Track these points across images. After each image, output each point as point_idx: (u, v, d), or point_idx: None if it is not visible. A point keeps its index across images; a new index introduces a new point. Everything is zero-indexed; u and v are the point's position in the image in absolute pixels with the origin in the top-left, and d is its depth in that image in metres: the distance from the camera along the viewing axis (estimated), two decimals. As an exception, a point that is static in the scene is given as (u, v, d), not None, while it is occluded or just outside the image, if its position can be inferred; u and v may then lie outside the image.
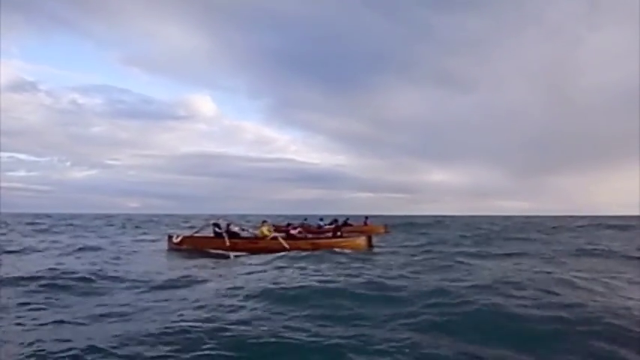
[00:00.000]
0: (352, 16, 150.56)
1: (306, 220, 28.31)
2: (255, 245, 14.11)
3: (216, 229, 15.40)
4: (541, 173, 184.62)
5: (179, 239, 15.51)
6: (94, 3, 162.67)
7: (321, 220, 25.58)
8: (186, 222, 42.02)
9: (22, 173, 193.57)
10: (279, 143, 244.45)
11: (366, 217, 28.31)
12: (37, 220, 43.83)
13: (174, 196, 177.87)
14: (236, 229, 15.61)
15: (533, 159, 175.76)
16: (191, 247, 14.92)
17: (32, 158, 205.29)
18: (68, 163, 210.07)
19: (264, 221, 15.85)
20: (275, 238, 14.27)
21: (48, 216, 68.29)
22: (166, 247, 15.59)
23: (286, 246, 13.45)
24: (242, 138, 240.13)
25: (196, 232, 16.51)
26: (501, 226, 37.51)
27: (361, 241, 14.64)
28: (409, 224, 38.09)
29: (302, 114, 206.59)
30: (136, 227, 33.75)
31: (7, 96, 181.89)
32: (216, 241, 14.47)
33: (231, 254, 12.90)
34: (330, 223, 23.72)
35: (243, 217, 59.03)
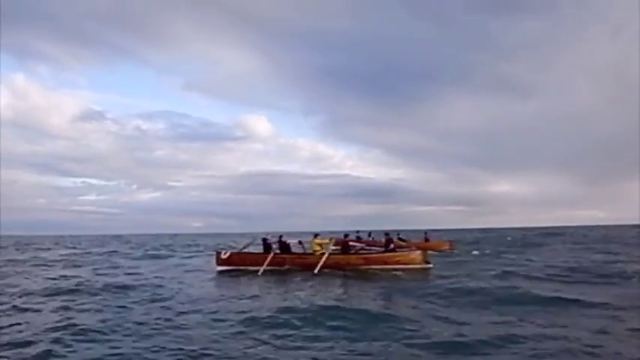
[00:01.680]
0: (402, 29, 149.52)
1: (358, 233, 27.29)
2: (303, 260, 13.43)
3: (267, 244, 15.03)
4: (614, 179, 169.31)
5: (227, 255, 15.16)
6: (153, 32, 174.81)
7: (369, 235, 24.44)
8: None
9: (92, 197, 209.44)
10: (335, 159, 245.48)
11: (426, 233, 25.72)
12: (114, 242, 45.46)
13: (235, 215, 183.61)
14: (290, 242, 15.08)
15: (604, 164, 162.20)
16: (239, 263, 14.53)
17: (102, 182, 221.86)
18: (134, 186, 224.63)
19: (316, 234, 15.15)
20: (323, 253, 13.50)
21: (118, 237, 72.02)
22: (215, 264, 15.27)
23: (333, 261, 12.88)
24: (298, 155, 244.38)
25: (244, 248, 16.12)
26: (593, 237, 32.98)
27: (416, 255, 13.43)
28: (474, 241, 34.92)
29: (356, 129, 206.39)
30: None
31: (77, 125, 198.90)
32: (263, 257, 13.96)
33: (261, 269, 12.84)
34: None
35: (301, 234, 59.09)
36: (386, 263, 12.75)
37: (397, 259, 13.06)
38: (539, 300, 7.57)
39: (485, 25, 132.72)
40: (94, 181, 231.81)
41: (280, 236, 15.23)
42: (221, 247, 19.71)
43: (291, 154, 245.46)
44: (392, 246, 13.88)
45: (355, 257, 13.28)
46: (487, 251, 21.64)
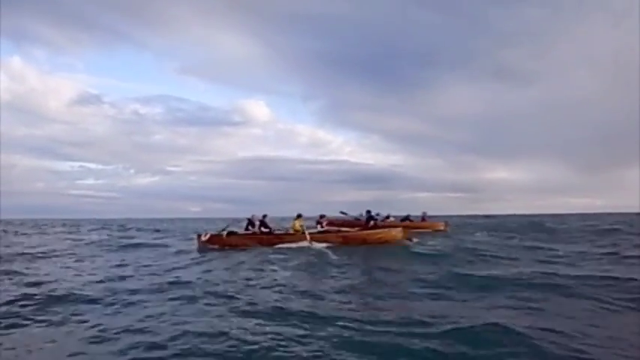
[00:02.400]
0: (403, 14, 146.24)
1: (362, 215, 26.96)
2: (279, 239, 13.16)
3: (250, 226, 15.06)
4: (613, 167, 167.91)
5: (207, 237, 15.05)
6: (152, 16, 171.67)
7: (377, 214, 24.11)
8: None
9: (90, 181, 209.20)
10: (334, 145, 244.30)
11: (424, 213, 26.07)
12: (112, 226, 45.72)
13: (233, 200, 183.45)
14: (271, 225, 15.02)
15: (603, 152, 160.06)
16: (219, 244, 14.43)
17: (100, 167, 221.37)
18: (132, 171, 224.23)
19: (299, 215, 14.99)
20: (303, 232, 13.22)
21: (113, 221, 72.24)
22: (196, 246, 15.19)
23: (308, 238, 12.70)
24: (296, 141, 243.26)
25: (224, 230, 15.87)
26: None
27: (396, 232, 13.10)
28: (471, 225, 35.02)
29: (355, 115, 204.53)
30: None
31: (75, 109, 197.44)
32: (241, 238, 13.84)
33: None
34: (387, 217, 22.33)
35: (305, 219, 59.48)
36: (365, 241, 12.40)
37: (378, 236, 12.72)
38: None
39: (486, 11, 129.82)
40: (91, 165, 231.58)
41: (264, 215, 15.16)
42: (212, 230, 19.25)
43: (290, 140, 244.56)
44: (372, 223, 13.54)
45: (334, 235, 12.94)
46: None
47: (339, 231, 13.55)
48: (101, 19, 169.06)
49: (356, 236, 12.83)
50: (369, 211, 14.49)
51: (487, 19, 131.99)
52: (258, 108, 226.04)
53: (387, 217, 22.99)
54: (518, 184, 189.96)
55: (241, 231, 15.34)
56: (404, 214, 25.62)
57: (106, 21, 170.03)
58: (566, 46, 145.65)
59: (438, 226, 23.71)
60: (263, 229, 14.72)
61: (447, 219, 28.94)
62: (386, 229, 13.61)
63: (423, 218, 24.83)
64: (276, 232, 14.65)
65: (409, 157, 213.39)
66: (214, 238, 14.92)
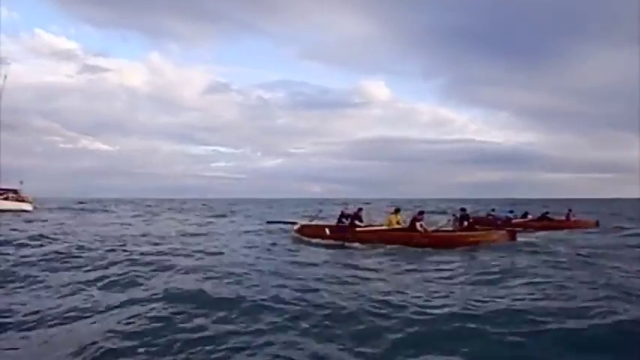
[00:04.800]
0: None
1: (493, 210, 24.43)
2: (364, 235, 12.40)
3: (343, 219, 14.44)
4: None
5: (298, 227, 14.98)
6: (270, 4, 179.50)
7: (511, 212, 21.61)
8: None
9: (222, 164, 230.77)
10: (457, 123, 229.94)
11: (570, 210, 20.83)
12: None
13: (353, 181, 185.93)
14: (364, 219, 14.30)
15: None
16: (308, 234, 14.23)
17: (230, 150, 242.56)
18: (259, 153, 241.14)
19: (397, 210, 14.01)
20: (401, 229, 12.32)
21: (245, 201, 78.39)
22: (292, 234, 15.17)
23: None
24: (417, 120, 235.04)
25: (312, 220, 15.68)
26: None
27: (497, 236, 11.31)
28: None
29: (482, 90, 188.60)
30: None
31: (206, 97, 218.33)
32: (326, 229, 13.40)
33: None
34: (524, 216, 19.57)
35: (422, 201, 56.25)
36: (455, 244, 10.95)
37: (471, 239, 11.14)
38: None
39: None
40: (223, 148, 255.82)
41: (359, 209, 14.54)
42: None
43: (410, 119, 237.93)
44: (465, 224, 11.93)
45: (419, 235, 11.70)
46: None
47: (432, 231, 12.26)
48: (225, 11, 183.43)
49: (444, 238, 11.41)
50: (463, 209, 12.82)
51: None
52: (378, 88, 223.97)
53: (525, 214, 20.19)
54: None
55: (332, 222, 14.94)
56: (538, 197, 21.76)
57: (230, 12, 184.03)
58: None
59: (587, 225, 18.91)
60: (357, 222, 14.08)
61: (590, 203, 24.50)
62: (485, 232, 11.89)
63: (568, 216, 20.03)
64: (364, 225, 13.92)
65: (543, 134, 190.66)
66: (306, 229, 14.71)
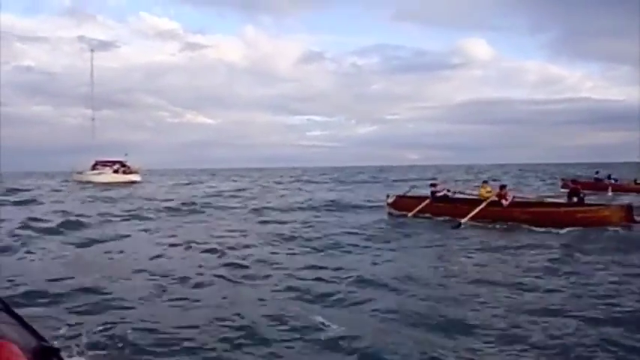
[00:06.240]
0: None
1: (597, 173, 22.50)
2: (458, 209, 12.22)
3: (434, 190, 14.24)
4: None
5: (392, 199, 15.03)
6: None
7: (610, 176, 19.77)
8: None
9: (317, 132, 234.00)
10: (570, 81, 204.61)
11: None
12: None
13: (452, 147, 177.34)
14: (456, 194, 13.99)
15: None
16: (401, 207, 14.25)
17: (324, 119, 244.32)
18: (353, 121, 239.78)
19: (485, 182, 13.60)
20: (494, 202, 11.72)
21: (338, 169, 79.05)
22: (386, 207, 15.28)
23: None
24: (523, 79, 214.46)
25: (408, 192, 15.66)
26: None
27: (609, 212, 10.40)
28: None
29: (599, 43, 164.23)
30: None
31: (300, 67, 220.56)
32: (420, 202, 13.35)
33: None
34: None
35: (531, 166, 52.09)
36: (555, 221, 10.33)
37: (578, 215, 10.40)
38: None
39: None
40: (317, 117, 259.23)
41: (448, 190, 14.28)
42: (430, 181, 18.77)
43: (516, 79, 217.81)
44: (575, 199, 11.06)
45: (519, 210, 11.22)
46: None
47: (526, 205, 11.68)
48: None
49: (545, 214, 10.79)
50: (574, 180, 11.76)
51: None
52: (479, 47, 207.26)
53: (636, 181, 18.34)
54: None
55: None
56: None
57: None
58: None
59: None
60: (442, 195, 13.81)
61: None
62: (595, 208, 11.00)
63: None
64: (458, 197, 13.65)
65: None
66: (400, 202, 14.64)
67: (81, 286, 5.51)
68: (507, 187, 12.74)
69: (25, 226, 10.85)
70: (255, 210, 15.78)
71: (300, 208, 16.55)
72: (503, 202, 11.48)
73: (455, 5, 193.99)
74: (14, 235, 9.62)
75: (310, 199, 19.42)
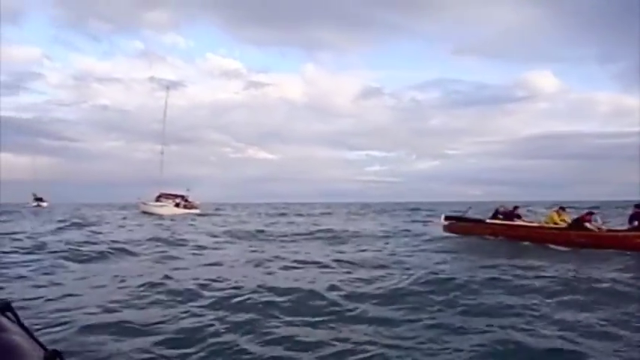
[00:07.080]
0: None
1: None
2: (512, 232, 12.39)
3: (499, 215, 14.18)
4: None
5: (448, 222, 15.35)
6: (420, 4, 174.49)
7: None
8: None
9: (376, 168, 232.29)
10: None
11: None
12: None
13: (517, 182, 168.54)
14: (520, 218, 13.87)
15: None
16: (457, 230, 14.60)
17: (383, 154, 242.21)
18: (414, 156, 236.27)
19: (562, 208, 13.14)
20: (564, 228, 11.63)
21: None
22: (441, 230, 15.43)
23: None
24: (594, 112, 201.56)
25: (464, 214, 15.91)
26: None
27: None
28: None
29: None
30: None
31: (359, 103, 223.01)
32: (484, 226, 13.55)
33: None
34: None
35: (604, 203, 48.58)
36: (615, 245, 10.26)
37: (638, 240, 10.28)
38: None
39: None
40: (376, 153, 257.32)
41: (515, 207, 14.38)
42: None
43: (585, 111, 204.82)
44: (636, 223, 10.88)
45: (576, 234, 11.21)
46: None
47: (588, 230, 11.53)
48: (375, 16, 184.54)
49: (607, 238, 10.70)
50: (638, 205, 11.35)
51: None
52: (544, 79, 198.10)
53: None
54: None
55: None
56: None
57: (380, 16, 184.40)
58: None
59: None
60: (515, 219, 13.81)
61: None
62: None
63: None
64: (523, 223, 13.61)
65: None
66: (454, 225, 14.88)
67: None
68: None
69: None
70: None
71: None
72: (588, 225, 11.18)
73: (516, 38, 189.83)
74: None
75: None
